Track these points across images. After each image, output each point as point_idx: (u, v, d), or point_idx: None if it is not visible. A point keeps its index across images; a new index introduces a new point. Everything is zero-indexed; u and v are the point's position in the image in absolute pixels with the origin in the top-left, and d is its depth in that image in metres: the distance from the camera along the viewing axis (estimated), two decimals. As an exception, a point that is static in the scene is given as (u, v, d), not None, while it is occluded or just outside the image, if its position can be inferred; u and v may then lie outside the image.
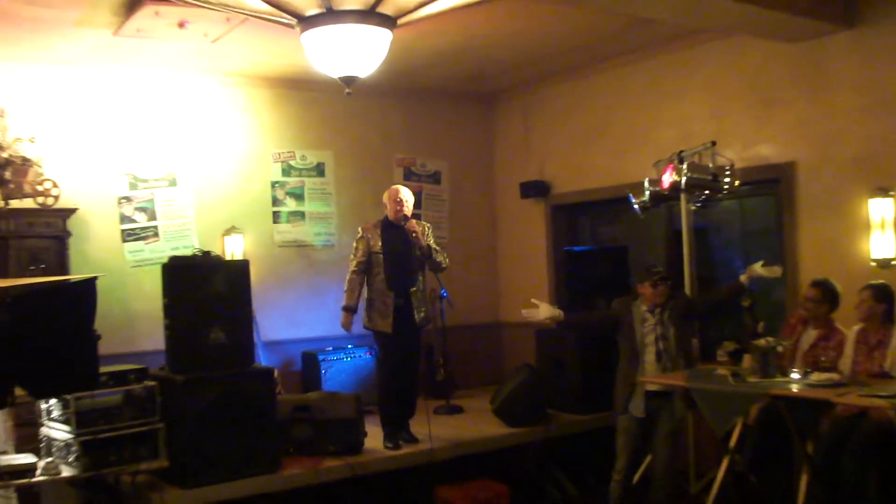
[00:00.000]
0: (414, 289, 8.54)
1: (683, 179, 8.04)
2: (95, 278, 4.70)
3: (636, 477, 8.08)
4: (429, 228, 8.70)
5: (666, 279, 7.69)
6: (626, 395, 7.66)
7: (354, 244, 8.53)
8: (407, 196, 8.54)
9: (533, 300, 7.94)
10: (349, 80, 6.10)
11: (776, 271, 7.49)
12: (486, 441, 8.79)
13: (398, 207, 8.46)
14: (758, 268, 7.47)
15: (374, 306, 8.44)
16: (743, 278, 7.58)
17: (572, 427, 9.22)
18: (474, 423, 9.25)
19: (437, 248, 8.60)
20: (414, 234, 8.39)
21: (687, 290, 8.45)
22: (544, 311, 7.83)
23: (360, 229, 8.59)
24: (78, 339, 4.49)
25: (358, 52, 5.90)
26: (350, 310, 8.43)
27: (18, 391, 4.50)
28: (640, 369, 7.65)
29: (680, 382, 7.28)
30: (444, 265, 8.59)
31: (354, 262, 8.47)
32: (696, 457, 8.58)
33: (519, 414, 8.98)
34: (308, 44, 5.91)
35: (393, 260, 8.43)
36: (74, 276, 4.80)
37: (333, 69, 6.03)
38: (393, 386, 8.62)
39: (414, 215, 9.00)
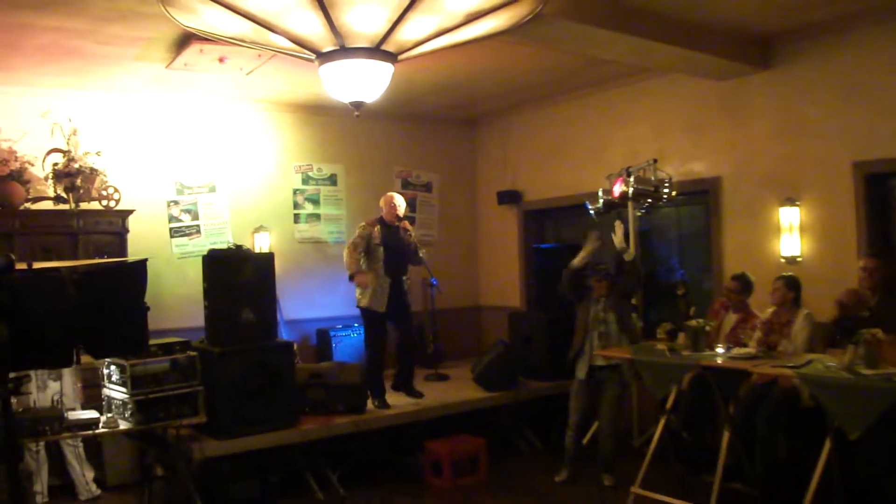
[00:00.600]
0: (405, 276, 8.69)
1: (631, 190, 8.11)
2: (146, 260, 4.73)
3: (586, 438, 8.25)
4: (412, 230, 8.82)
5: (607, 275, 7.93)
6: (577, 362, 7.96)
7: (357, 232, 8.60)
8: (400, 202, 8.66)
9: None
10: (358, 105, 6.11)
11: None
12: (467, 403, 8.79)
13: (394, 210, 8.56)
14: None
15: (371, 289, 8.47)
16: (625, 255, 8.04)
17: (538, 392, 9.22)
18: (458, 389, 9.24)
19: (418, 245, 8.74)
20: (408, 232, 8.56)
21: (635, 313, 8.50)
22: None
23: (363, 224, 8.66)
24: (131, 310, 4.51)
25: (365, 82, 5.91)
26: (356, 274, 8.46)
27: (84, 357, 4.50)
28: (587, 343, 7.89)
29: (627, 355, 7.36)
30: (424, 260, 8.77)
31: (351, 243, 8.56)
32: (638, 417, 8.67)
33: (494, 381, 8.98)
34: (324, 75, 5.92)
35: (390, 251, 8.50)
36: (130, 259, 4.83)
37: (345, 95, 6.04)
38: (380, 358, 8.72)
39: (409, 219, 9.12)
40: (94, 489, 7.58)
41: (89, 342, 4.24)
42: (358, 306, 8.62)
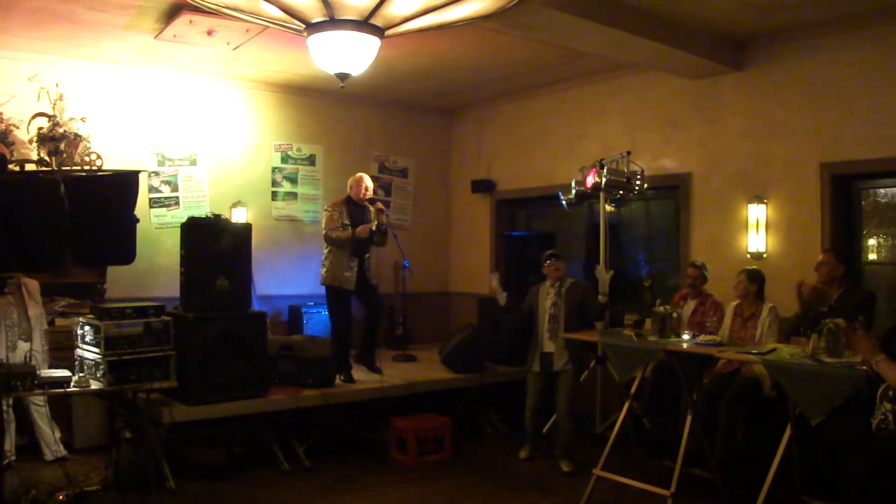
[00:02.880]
0: (367, 255, 8.65)
1: (603, 181, 8.05)
2: (139, 173, 4.64)
3: (546, 427, 8.26)
4: (374, 213, 8.74)
5: (558, 256, 7.96)
6: (529, 354, 8.03)
7: (329, 214, 8.52)
8: (369, 182, 8.68)
9: (494, 282, 8.29)
10: (343, 77, 6.03)
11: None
12: (433, 383, 8.72)
13: (364, 191, 8.58)
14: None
15: (337, 267, 8.44)
16: (603, 298, 7.90)
17: (504, 376, 9.14)
18: (425, 370, 9.17)
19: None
20: (382, 213, 8.55)
21: (601, 282, 8.44)
22: (500, 294, 8.15)
23: (332, 204, 8.63)
24: (121, 220, 4.43)
25: (352, 54, 5.83)
26: (352, 231, 8.39)
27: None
28: (537, 335, 7.96)
29: (594, 339, 7.33)
30: (386, 241, 8.75)
31: (329, 218, 8.52)
32: (601, 404, 8.61)
33: (461, 363, 8.91)
34: (312, 45, 5.83)
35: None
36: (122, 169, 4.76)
37: (331, 67, 5.95)
38: (347, 335, 8.71)
39: (382, 201, 9.13)
40: (61, 450, 7.40)
41: (78, 248, 4.15)
42: (323, 283, 8.58)
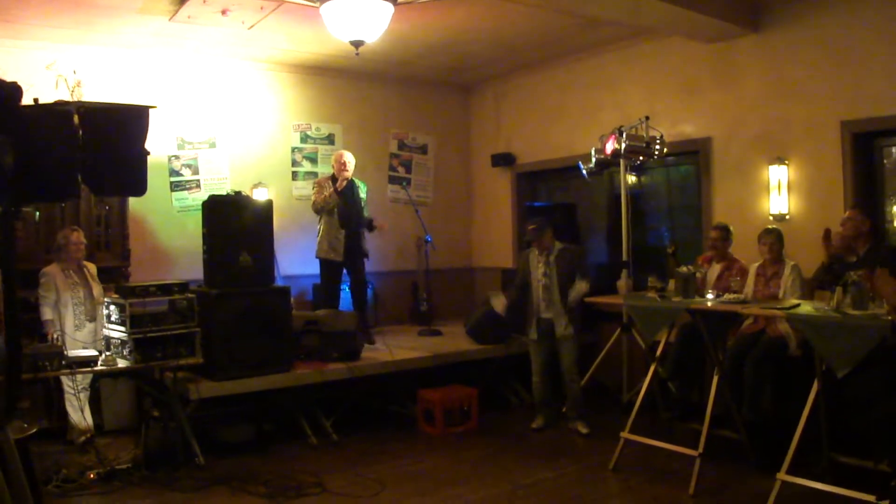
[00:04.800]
0: (358, 232, 9.00)
1: (623, 146, 8.01)
2: (150, 107, 4.68)
3: (564, 408, 8.25)
4: (366, 191, 9.25)
5: (540, 228, 7.97)
6: (527, 323, 8.12)
7: (317, 188, 8.96)
8: (348, 158, 8.93)
9: (492, 294, 8.41)
10: (358, 44, 6.05)
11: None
12: (459, 354, 8.74)
13: (342, 167, 8.89)
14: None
15: (327, 240, 8.81)
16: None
17: (527, 347, 9.10)
18: (450, 343, 9.18)
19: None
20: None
21: (623, 241, 8.44)
22: (498, 304, 8.16)
23: (317, 181, 9.14)
24: (133, 152, 4.46)
25: (366, 21, 5.84)
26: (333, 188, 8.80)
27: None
28: (531, 301, 8.03)
29: (619, 301, 7.33)
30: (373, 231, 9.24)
31: (316, 183, 9.09)
32: (627, 374, 8.60)
33: (486, 334, 8.92)
34: (326, 14, 5.86)
35: (344, 206, 8.80)
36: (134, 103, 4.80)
37: (345, 34, 5.96)
38: (335, 305, 8.97)
39: (404, 179, 9.24)
40: (89, 431, 7.40)
41: (91, 178, 4.18)
42: (316, 257, 8.94)
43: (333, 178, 8.89)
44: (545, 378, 8.08)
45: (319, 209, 8.86)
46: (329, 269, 8.96)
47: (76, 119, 4.01)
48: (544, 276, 7.86)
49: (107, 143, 4.25)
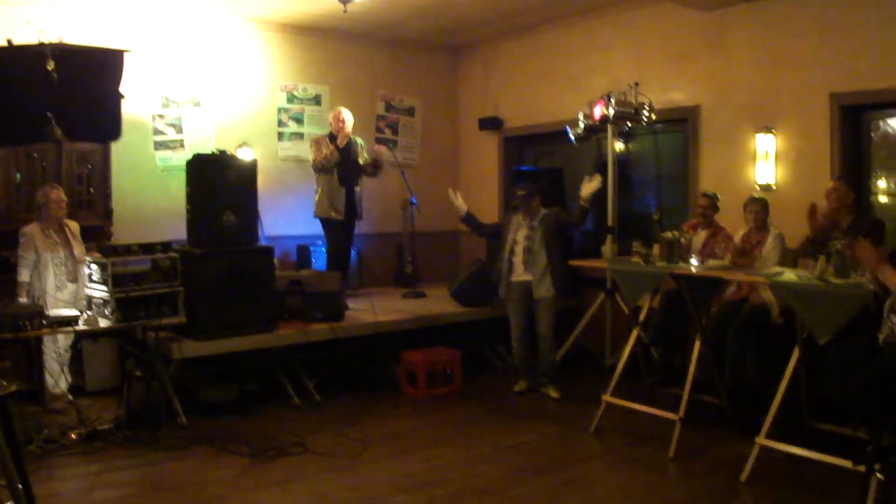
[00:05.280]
0: (358, 188, 8.91)
1: (611, 112, 8.02)
2: (124, 51, 4.65)
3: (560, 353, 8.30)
4: (362, 147, 9.16)
5: (528, 195, 7.94)
6: (502, 287, 8.13)
7: (316, 146, 8.93)
8: (346, 115, 8.87)
9: (452, 191, 8.46)
10: (346, 0, 5.95)
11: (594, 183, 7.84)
12: (442, 316, 8.75)
13: (340, 124, 8.85)
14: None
15: (327, 199, 8.76)
16: (583, 203, 7.84)
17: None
18: (434, 305, 9.19)
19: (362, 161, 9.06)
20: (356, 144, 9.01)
21: (609, 207, 8.45)
22: (459, 200, 8.35)
23: (315, 139, 9.06)
24: (107, 96, 4.44)
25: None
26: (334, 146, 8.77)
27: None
28: (508, 265, 8.03)
29: (603, 265, 7.34)
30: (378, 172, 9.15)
31: (314, 142, 9.04)
32: (611, 339, 8.64)
33: (470, 297, 8.93)
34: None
35: (343, 163, 8.74)
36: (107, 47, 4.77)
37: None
38: (344, 264, 9.01)
39: (391, 141, 9.18)
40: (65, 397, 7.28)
41: (65, 122, 4.17)
42: (315, 216, 8.92)
43: (331, 136, 8.82)
44: (525, 341, 8.09)
45: (320, 167, 8.78)
46: (334, 228, 8.89)
47: (50, 62, 3.98)
48: (526, 239, 7.84)
49: (81, 85, 4.23)
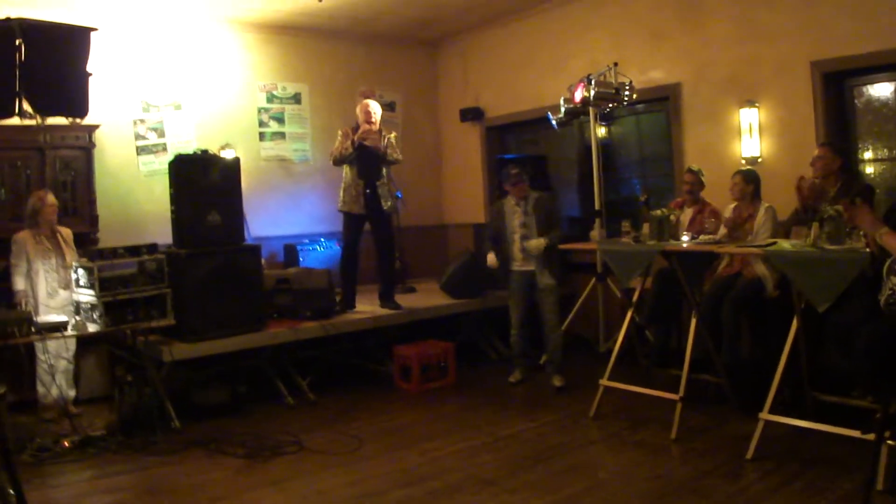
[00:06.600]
0: (380, 181, 8.37)
1: (592, 93, 7.88)
2: (91, 28, 4.54)
3: (542, 359, 8.12)
4: (394, 139, 8.64)
5: (522, 176, 7.74)
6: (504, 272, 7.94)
7: (340, 137, 8.41)
8: (375, 108, 8.42)
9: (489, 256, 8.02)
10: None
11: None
12: (434, 309, 8.60)
13: (367, 117, 8.34)
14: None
15: (348, 192, 8.30)
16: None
17: (503, 300, 8.89)
18: (425, 299, 9.04)
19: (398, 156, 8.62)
20: (382, 135, 8.44)
21: (595, 190, 8.31)
22: (491, 260, 7.92)
23: (345, 129, 8.46)
24: (75, 73, 4.34)
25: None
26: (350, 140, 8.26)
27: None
28: (509, 254, 7.85)
29: (594, 247, 7.21)
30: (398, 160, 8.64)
31: (334, 148, 8.42)
32: (604, 324, 8.52)
33: (460, 288, 8.80)
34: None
35: (364, 156, 8.26)
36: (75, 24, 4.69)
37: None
38: (351, 260, 8.48)
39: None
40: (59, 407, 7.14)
41: (33, 97, 4.06)
42: (339, 210, 8.45)
43: (357, 128, 8.37)
44: (523, 331, 7.92)
45: (335, 161, 8.36)
46: (348, 221, 8.42)
47: (18, 38, 3.86)
48: (522, 226, 7.67)
49: (49, 61, 4.12)
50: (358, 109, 8.46)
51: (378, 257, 8.63)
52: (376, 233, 8.54)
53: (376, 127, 8.35)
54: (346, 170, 8.36)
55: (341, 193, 8.39)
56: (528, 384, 7.89)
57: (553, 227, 7.65)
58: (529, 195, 7.73)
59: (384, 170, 8.44)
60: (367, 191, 8.24)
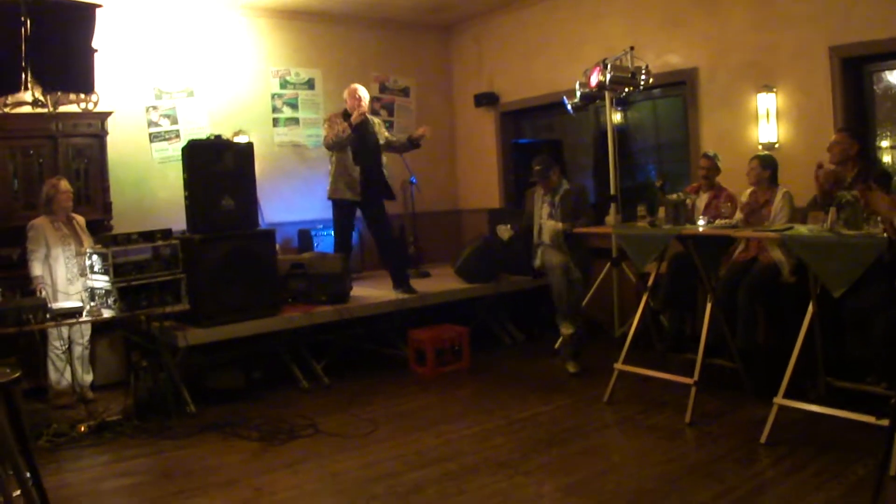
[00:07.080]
0: (381, 165, 8.43)
1: (608, 77, 7.84)
2: (96, 5, 4.57)
3: (557, 343, 8.16)
4: (379, 124, 8.64)
5: (547, 169, 7.95)
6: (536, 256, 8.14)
7: (328, 124, 8.41)
8: (363, 93, 8.41)
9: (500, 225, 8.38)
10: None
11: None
12: (448, 293, 8.60)
13: (357, 101, 8.33)
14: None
15: (342, 179, 8.25)
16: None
17: (519, 285, 9.01)
18: (439, 283, 9.03)
19: (391, 137, 8.70)
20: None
21: (611, 175, 8.30)
22: (504, 231, 8.28)
23: (330, 116, 8.52)
24: (79, 49, 4.35)
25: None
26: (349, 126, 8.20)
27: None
28: (539, 238, 8.04)
29: (609, 231, 7.22)
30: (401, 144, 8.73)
31: (328, 133, 8.36)
32: (618, 309, 8.51)
33: (475, 273, 8.77)
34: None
35: (359, 142, 8.24)
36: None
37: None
38: (344, 247, 8.51)
39: (388, 123, 9.04)
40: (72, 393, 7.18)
41: (38, 73, 4.08)
42: (328, 198, 8.44)
43: (345, 114, 8.35)
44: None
45: (332, 146, 8.28)
46: (341, 209, 8.42)
47: (23, 14, 3.88)
48: (549, 217, 7.75)
49: (55, 37, 4.15)
50: (346, 94, 8.45)
51: (379, 244, 8.68)
52: (370, 219, 8.52)
53: (365, 107, 8.36)
54: (333, 158, 8.34)
55: (331, 179, 8.35)
56: (544, 368, 7.91)
57: (578, 218, 7.70)
58: (560, 187, 7.78)
59: (381, 158, 8.48)
60: (365, 176, 8.22)
